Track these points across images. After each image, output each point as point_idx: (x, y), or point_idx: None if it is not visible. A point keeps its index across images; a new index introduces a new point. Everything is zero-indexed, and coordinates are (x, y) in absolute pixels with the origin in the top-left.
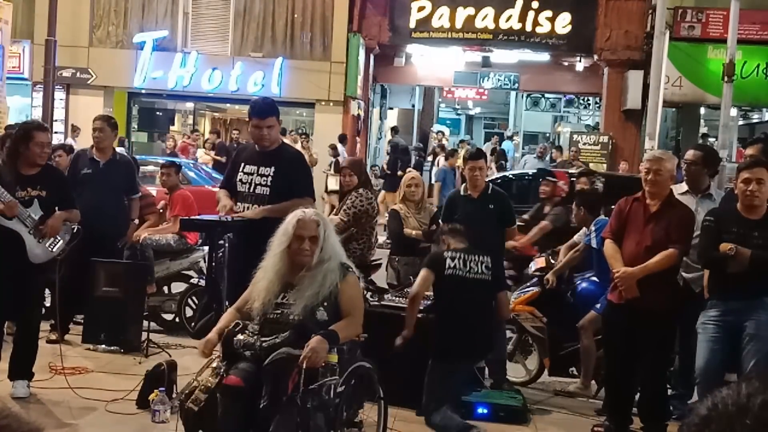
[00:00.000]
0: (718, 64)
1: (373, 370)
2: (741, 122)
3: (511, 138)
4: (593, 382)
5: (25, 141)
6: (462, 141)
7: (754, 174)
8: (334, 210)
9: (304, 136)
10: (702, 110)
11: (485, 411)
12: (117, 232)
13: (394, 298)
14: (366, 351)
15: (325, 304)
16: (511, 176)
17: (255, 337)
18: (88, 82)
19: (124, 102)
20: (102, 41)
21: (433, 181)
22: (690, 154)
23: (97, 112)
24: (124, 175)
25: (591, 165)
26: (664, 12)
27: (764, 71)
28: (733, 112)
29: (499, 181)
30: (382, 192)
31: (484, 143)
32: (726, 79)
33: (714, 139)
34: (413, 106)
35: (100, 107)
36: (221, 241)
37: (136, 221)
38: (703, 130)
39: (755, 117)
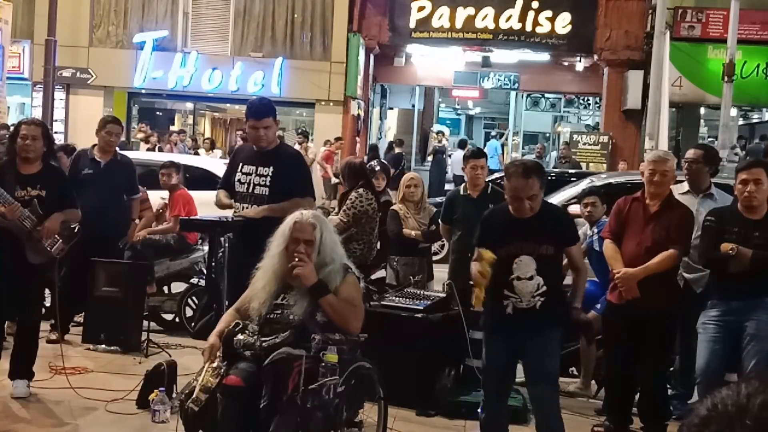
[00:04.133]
0: (718, 64)
1: (374, 370)
2: (741, 122)
3: (497, 137)
4: (593, 382)
5: (15, 136)
6: (461, 141)
7: (752, 175)
8: (334, 210)
9: (301, 136)
10: (702, 110)
11: None
12: (118, 233)
13: (394, 298)
14: (366, 351)
15: None
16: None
17: (255, 337)
18: (88, 82)
19: (124, 102)
20: (102, 41)
21: None
22: (691, 152)
23: (97, 112)
24: (125, 175)
25: (591, 165)
26: (664, 12)
27: (764, 71)
28: (733, 112)
29: (499, 181)
30: None
31: (485, 143)
32: (726, 79)
33: (714, 139)
34: (413, 106)
35: (100, 107)
36: (221, 239)
37: (137, 221)
38: (703, 130)
39: (755, 117)
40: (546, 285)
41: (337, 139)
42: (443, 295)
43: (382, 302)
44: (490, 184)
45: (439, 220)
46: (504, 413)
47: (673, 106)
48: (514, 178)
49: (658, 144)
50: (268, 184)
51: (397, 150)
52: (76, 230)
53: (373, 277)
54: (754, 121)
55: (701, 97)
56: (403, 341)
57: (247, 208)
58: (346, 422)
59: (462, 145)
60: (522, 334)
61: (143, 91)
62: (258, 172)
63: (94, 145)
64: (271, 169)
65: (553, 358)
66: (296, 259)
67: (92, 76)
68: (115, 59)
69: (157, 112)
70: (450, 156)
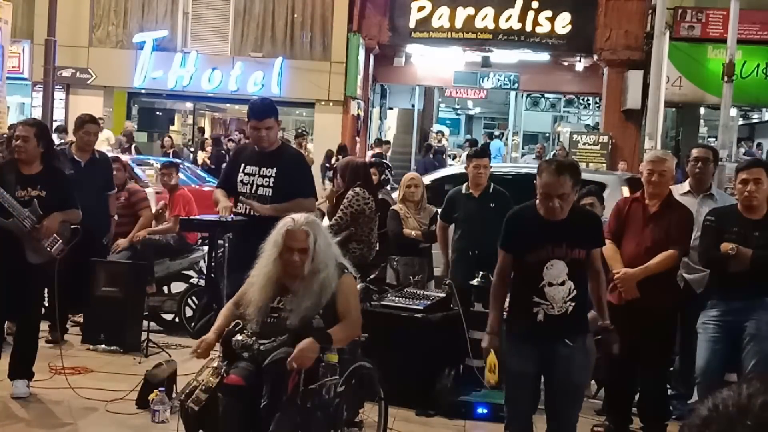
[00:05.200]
0: (718, 64)
1: (374, 370)
2: (741, 122)
3: (499, 137)
4: (593, 381)
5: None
6: (467, 140)
7: (752, 174)
8: (333, 210)
9: (302, 137)
10: (702, 110)
11: (485, 411)
12: (102, 230)
13: (394, 298)
14: (366, 351)
15: (321, 311)
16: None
17: (253, 338)
18: (88, 82)
19: (123, 102)
20: (102, 41)
21: None
22: (700, 151)
23: (97, 112)
24: (104, 173)
25: (591, 165)
26: (664, 12)
27: (764, 71)
28: (733, 112)
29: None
30: None
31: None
32: (726, 79)
33: (714, 139)
34: (413, 106)
35: (100, 107)
36: (221, 241)
37: (116, 217)
38: (702, 130)
39: (755, 117)
40: (576, 290)
41: (386, 142)
42: (443, 295)
43: (382, 302)
44: (492, 183)
45: (438, 219)
46: (530, 425)
47: (673, 106)
48: (546, 174)
49: (657, 144)
50: (271, 185)
51: (376, 149)
52: (75, 230)
53: (372, 276)
54: (754, 121)
55: (701, 97)
56: (403, 341)
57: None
58: (346, 422)
59: (473, 144)
60: (553, 341)
61: (143, 91)
62: (261, 173)
63: (71, 144)
64: (275, 170)
65: (583, 370)
66: (293, 264)
67: (92, 76)
68: (115, 59)
69: (157, 112)
70: (451, 156)
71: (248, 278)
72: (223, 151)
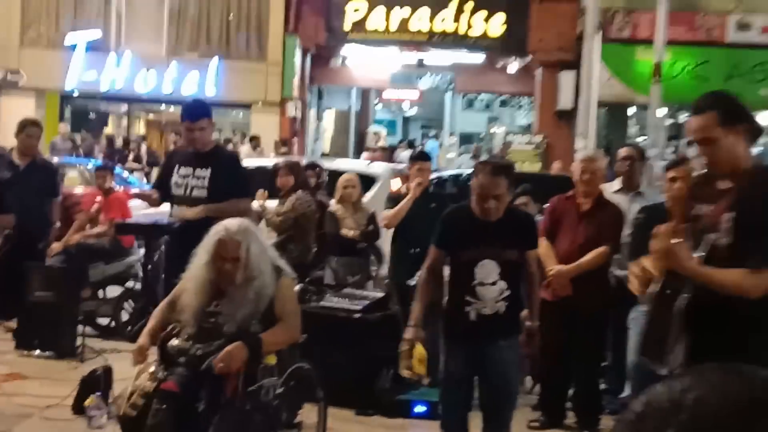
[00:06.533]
0: (648, 65)
1: (313, 371)
2: (669, 121)
3: (435, 137)
4: (528, 377)
5: None
6: (402, 141)
7: (680, 172)
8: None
9: (253, 141)
10: (632, 110)
11: (424, 409)
12: (39, 235)
13: (332, 298)
14: (305, 352)
15: (259, 317)
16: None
17: (190, 343)
18: (19, 84)
19: (56, 104)
20: (33, 42)
21: None
22: (627, 150)
23: (29, 115)
24: (46, 178)
25: (525, 164)
26: (595, 14)
27: (691, 72)
28: (663, 111)
29: (435, 180)
30: None
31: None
32: (654, 79)
33: (644, 138)
34: (350, 107)
35: (32, 110)
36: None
37: (58, 224)
38: (633, 129)
39: (683, 116)
40: (509, 289)
41: (384, 149)
42: (381, 295)
43: (320, 303)
44: (432, 185)
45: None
46: (465, 426)
47: (605, 106)
48: (482, 176)
49: (591, 143)
50: (206, 186)
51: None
52: (8, 234)
53: (310, 277)
54: (682, 120)
55: (631, 97)
56: (341, 341)
57: (185, 210)
58: (286, 424)
59: (410, 145)
60: (485, 341)
61: (76, 94)
62: (195, 174)
63: (13, 148)
64: (209, 170)
65: (515, 367)
66: (224, 274)
67: (23, 77)
68: (47, 60)
69: (91, 115)
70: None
71: (180, 282)
72: (118, 151)
